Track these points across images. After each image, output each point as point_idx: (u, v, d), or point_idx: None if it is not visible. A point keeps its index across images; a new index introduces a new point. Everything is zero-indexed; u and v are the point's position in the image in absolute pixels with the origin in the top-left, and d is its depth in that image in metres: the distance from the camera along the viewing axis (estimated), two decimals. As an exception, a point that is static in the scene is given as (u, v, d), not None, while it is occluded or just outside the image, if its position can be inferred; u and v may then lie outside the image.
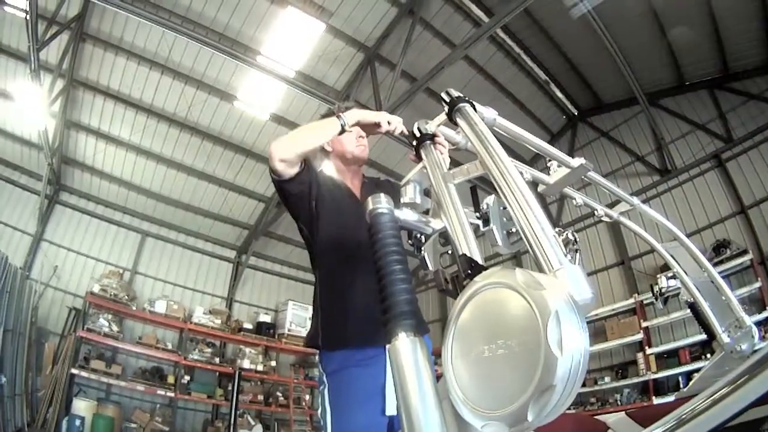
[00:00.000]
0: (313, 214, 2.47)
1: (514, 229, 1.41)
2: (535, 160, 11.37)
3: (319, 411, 2.29)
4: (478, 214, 1.43)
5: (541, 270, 0.95)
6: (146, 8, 8.77)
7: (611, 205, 2.77)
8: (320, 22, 10.01)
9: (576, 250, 1.53)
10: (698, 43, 10.00)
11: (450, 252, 1.45)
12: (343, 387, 2.24)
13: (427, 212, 1.56)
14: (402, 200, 1.58)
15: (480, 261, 1.07)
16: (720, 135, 10.39)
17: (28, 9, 7.94)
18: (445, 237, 1.47)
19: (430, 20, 10.67)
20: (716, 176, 10.31)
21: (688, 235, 2.73)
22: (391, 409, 2.17)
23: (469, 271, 1.03)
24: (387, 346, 1.03)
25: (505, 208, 1.43)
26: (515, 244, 1.43)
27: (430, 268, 1.49)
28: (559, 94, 12.96)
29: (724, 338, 2.41)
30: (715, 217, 10.04)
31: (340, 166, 2.79)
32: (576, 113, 13.57)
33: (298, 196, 2.43)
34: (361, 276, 2.34)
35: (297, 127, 10.38)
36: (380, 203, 1.25)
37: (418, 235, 1.50)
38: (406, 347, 0.99)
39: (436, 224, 1.45)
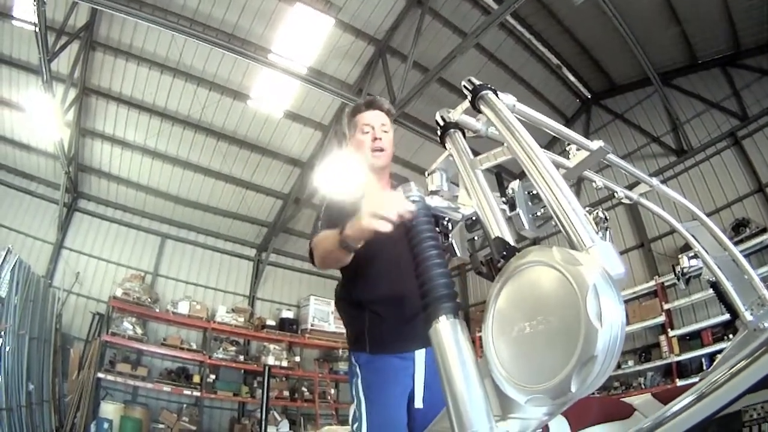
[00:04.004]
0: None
1: (539, 213, 1.43)
2: (551, 144, 11.29)
3: (354, 404, 2.31)
4: (504, 199, 1.45)
5: (573, 248, 0.97)
6: (154, 13, 8.84)
7: (629, 187, 2.76)
8: (329, 17, 9.99)
9: (606, 228, 1.54)
10: (709, 20, 9.86)
11: (476, 238, 1.47)
12: (374, 374, 2.29)
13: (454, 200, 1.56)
14: (429, 189, 1.60)
15: (512, 243, 1.09)
16: (735, 113, 10.26)
17: (36, 21, 7.99)
18: (470, 223, 1.49)
19: (438, 9, 10.59)
20: (733, 155, 10.19)
21: (707, 215, 2.71)
22: (418, 402, 2.23)
23: (504, 253, 1.05)
24: (429, 330, 1.06)
25: (530, 192, 1.45)
26: (541, 227, 1.45)
27: (458, 254, 1.51)
28: (572, 78, 12.83)
29: (747, 316, 2.38)
30: (733, 195, 9.93)
31: (369, 172, 2.77)
32: (589, 96, 13.45)
33: None
34: (396, 281, 2.32)
35: (312, 123, 10.31)
36: (411, 191, 1.28)
37: (446, 222, 1.52)
38: (447, 329, 1.03)
39: (465, 210, 1.46)
